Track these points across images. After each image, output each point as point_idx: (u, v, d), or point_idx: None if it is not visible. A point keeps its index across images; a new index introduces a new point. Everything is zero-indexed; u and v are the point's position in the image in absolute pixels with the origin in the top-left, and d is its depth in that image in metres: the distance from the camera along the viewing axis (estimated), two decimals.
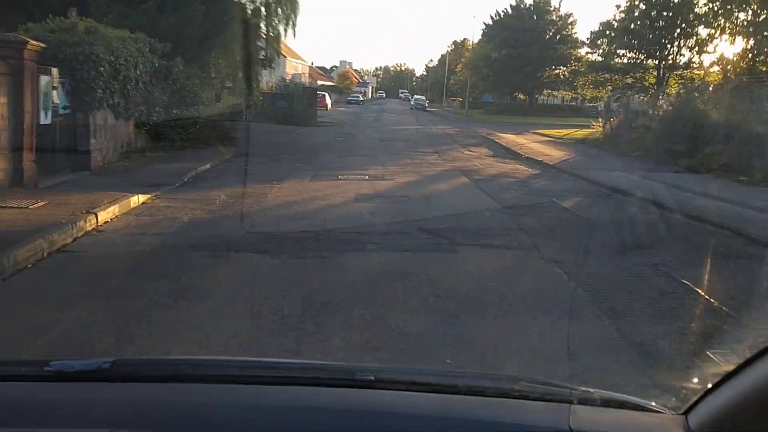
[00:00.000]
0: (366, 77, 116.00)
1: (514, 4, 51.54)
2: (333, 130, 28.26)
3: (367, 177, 12.71)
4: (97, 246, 6.33)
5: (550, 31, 50.93)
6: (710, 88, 19.03)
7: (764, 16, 20.82)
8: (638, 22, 31.00)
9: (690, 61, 30.92)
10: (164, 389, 1.33)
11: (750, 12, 21.69)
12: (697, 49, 30.30)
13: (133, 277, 5.31)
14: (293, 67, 60.48)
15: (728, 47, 26.53)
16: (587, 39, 35.26)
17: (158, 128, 15.71)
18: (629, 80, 31.62)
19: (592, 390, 1.34)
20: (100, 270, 5.58)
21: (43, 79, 9.98)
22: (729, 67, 24.88)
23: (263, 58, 25.87)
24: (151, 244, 6.41)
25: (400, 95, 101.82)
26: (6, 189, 8.61)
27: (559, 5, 58.75)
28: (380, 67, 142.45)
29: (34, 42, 9.54)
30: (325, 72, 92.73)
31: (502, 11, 51.98)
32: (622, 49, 31.71)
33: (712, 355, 3.39)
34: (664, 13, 30.74)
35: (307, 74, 66.54)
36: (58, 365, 1.33)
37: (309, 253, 6.10)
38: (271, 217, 8.13)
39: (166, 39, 15.13)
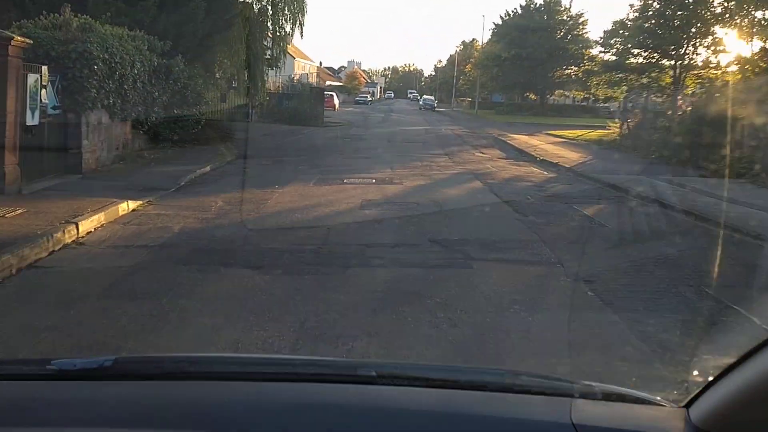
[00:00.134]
0: (374, 77, 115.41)
1: (524, 3, 50.79)
2: (340, 130, 27.65)
3: (374, 181, 12.07)
4: (75, 261, 5.72)
5: (561, 30, 50.10)
6: (735, 88, 18.22)
7: None
8: (653, 21, 30.14)
9: (707, 60, 30.03)
10: (166, 387, 1.33)
11: None
12: (714, 48, 29.42)
13: (108, 299, 4.69)
14: (301, 68, 60.01)
15: (746, 46, 25.67)
16: (600, 38, 34.41)
17: (157, 129, 15.16)
18: (644, 80, 30.73)
19: (593, 384, 1.33)
20: (73, 290, 4.95)
21: (31, 78, 9.41)
22: (747, 67, 24.07)
23: (269, 57, 25.36)
24: (135, 258, 5.79)
25: (409, 95, 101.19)
26: None
27: (570, 5, 57.83)
28: (389, 68, 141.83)
29: (19, 38, 8.96)
30: (333, 72, 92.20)
31: (512, 11, 51.31)
32: (637, 48, 30.84)
33: None
34: (679, 12, 29.91)
35: (315, 74, 66.04)
36: (60, 364, 1.33)
37: (308, 269, 5.46)
38: (270, 227, 7.50)
39: (166, 37, 14.56)
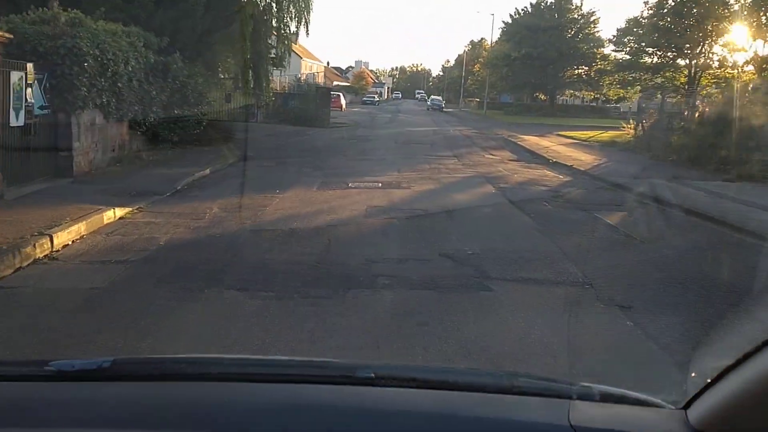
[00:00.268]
0: (382, 78, 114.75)
1: (534, 2, 50.02)
2: (346, 131, 27.05)
3: (380, 185, 11.43)
4: (42, 279, 5.10)
5: (572, 29, 49.31)
6: (758, 88, 17.44)
7: None
8: (668, 19, 29.37)
9: (724, 59, 29.22)
10: (165, 388, 1.33)
11: None
12: (730, 46, 28.62)
13: (70, 328, 4.06)
14: (308, 68, 59.45)
15: (764, 45, 24.84)
16: (613, 37, 33.60)
17: (156, 129, 14.57)
18: (659, 80, 29.96)
19: (591, 385, 1.32)
20: (32, 316, 4.32)
21: (15, 75, 8.83)
22: (765, 66, 23.30)
23: (274, 56, 24.76)
24: (110, 276, 5.16)
25: (417, 96, 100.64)
26: None
27: (581, 3, 56.84)
28: (396, 68, 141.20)
29: None
30: (340, 72, 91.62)
31: (522, 9, 50.53)
32: (651, 47, 30.07)
33: None
34: (694, 10, 29.12)
35: (322, 74, 65.46)
36: (59, 365, 1.32)
37: (304, 292, 4.80)
38: (266, 238, 6.86)
39: (163, 33, 13.98)
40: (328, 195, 10.23)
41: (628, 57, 31.86)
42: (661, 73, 30.13)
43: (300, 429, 1.17)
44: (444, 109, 58.44)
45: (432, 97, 69.62)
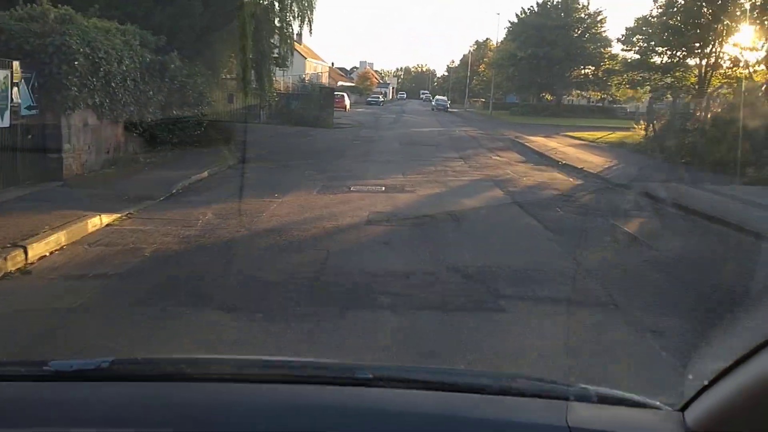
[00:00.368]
0: (387, 78, 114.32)
1: (540, 1, 49.40)
2: (350, 132, 26.59)
3: (383, 188, 10.94)
4: (9, 298, 4.62)
5: (579, 29, 48.70)
6: None
7: None
8: (678, 17, 28.71)
9: (735, 58, 28.56)
10: (163, 388, 1.32)
11: None
12: (742, 45, 27.97)
13: (31, 356, 3.58)
14: (313, 68, 59.03)
15: None
16: (621, 36, 32.93)
17: (154, 131, 14.11)
18: (668, 80, 29.32)
19: (589, 387, 1.31)
20: None
21: None
22: None
23: (277, 56, 24.33)
24: (84, 294, 4.68)
25: (421, 96, 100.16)
26: None
27: (588, 2, 56.13)
28: (401, 68, 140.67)
29: None
30: (345, 73, 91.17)
31: (528, 9, 49.94)
32: (661, 46, 29.40)
33: None
34: (705, 9, 28.49)
35: (326, 75, 65.01)
36: (57, 365, 1.32)
37: (297, 312, 4.32)
38: (259, 248, 6.37)
39: (161, 31, 13.53)
40: (329, 199, 9.75)
41: (637, 56, 31.19)
42: (671, 72, 29.47)
43: (298, 429, 1.18)
44: (449, 110, 57.90)
45: (437, 97, 69.07)
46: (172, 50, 13.72)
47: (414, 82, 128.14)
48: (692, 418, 1.17)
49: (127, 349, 3.48)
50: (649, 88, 29.53)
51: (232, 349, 3.66)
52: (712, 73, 28.93)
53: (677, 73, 29.47)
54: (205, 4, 14.91)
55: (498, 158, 17.72)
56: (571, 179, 13.27)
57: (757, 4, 23.86)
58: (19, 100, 8.98)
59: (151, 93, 13.13)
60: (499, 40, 56.16)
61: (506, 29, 53.26)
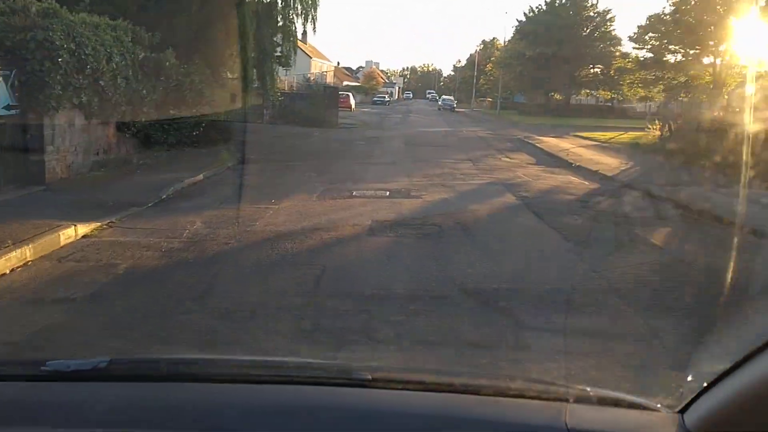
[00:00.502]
0: (393, 78, 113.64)
1: (549, 0, 48.57)
2: (355, 132, 25.95)
3: (387, 193, 10.28)
4: None
5: (588, 27, 47.84)
6: None
7: None
8: (693, 14, 27.95)
9: (750, 57, 27.73)
10: (161, 389, 1.32)
11: None
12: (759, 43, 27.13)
13: None
14: (318, 67, 58.43)
15: None
16: (633, 33, 32.12)
17: (149, 131, 13.52)
18: (682, 78, 28.53)
19: (588, 388, 1.32)
20: None
21: None
22: None
23: (280, 55, 23.74)
24: (34, 325, 4.02)
25: (428, 96, 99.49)
26: None
27: (597, 1, 55.15)
28: (407, 68, 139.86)
29: None
30: (351, 72, 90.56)
31: (536, 7, 49.12)
32: (675, 44, 28.62)
33: None
34: (718, 7, 27.71)
35: (331, 74, 64.39)
36: (55, 365, 1.32)
37: (279, 350, 3.64)
38: (247, 264, 5.72)
39: (157, 28, 12.91)
40: (329, 206, 9.09)
41: (650, 54, 30.40)
42: (684, 71, 28.70)
43: (296, 430, 1.18)
44: (456, 110, 57.18)
45: (443, 97, 68.33)
46: (167, 47, 13.10)
47: (420, 81, 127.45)
48: (691, 420, 1.17)
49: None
50: (662, 87, 28.68)
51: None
52: (727, 72, 28.16)
53: (691, 72, 28.70)
54: (203, 0, 14.28)
55: (508, 160, 17.02)
56: (586, 183, 12.56)
57: None
58: None
59: (144, 92, 12.52)
60: (507, 39, 55.40)
61: (514, 28, 52.54)
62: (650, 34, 30.00)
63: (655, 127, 21.47)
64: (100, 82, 10.53)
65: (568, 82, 47.56)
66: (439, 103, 63.16)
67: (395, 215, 8.32)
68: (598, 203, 9.98)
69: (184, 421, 1.18)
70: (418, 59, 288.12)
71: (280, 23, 22.55)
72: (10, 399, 1.24)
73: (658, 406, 1.27)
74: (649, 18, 30.69)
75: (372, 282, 5.12)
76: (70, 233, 6.44)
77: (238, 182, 11.64)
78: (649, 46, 30.34)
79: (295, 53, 26.25)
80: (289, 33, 23.10)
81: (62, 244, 6.19)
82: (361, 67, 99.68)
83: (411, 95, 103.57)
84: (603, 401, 1.28)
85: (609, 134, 27.05)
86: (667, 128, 19.84)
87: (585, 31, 47.52)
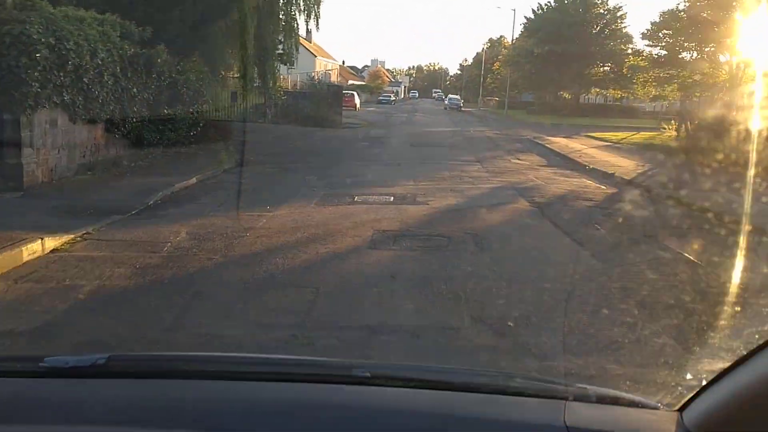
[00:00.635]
0: (399, 77, 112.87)
1: None
2: (359, 132, 25.27)
3: (391, 199, 9.57)
4: None
5: (598, 25, 46.96)
6: None
7: None
8: (708, 11, 27.08)
9: None
10: (160, 385, 1.31)
11: None
12: None
13: None
14: (323, 66, 57.79)
15: None
16: (646, 30, 31.24)
17: (141, 131, 12.83)
18: (697, 77, 27.67)
19: (587, 387, 1.31)
20: None
21: None
22: None
23: (282, 52, 23.08)
24: None
25: (434, 95, 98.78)
26: None
27: None
28: (413, 67, 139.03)
29: None
30: (356, 71, 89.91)
31: (545, 4, 48.24)
32: (690, 41, 27.77)
33: None
34: (734, 3, 26.84)
35: (336, 73, 63.71)
36: (53, 361, 1.31)
37: None
38: (231, 287, 5.01)
39: (149, 23, 12.24)
40: (328, 213, 8.39)
41: (664, 52, 29.53)
42: (700, 69, 27.84)
43: (296, 427, 1.16)
44: (462, 109, 56.36)
45: (450, 96, 67.51)
46: (159, 43, 12.43)
47: (426, 80, 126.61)
48: (690, 419, 1.16)
49: None
50: (676, 85, 27.83)
51: None
52: (744, 70, 27.27)
53: (707, 70, 27.84)
54: None
55: (518, 162, 16.27)
56: (603, 187, 11.80)
57: None
58: None
59: (135, 90, 11.85)
60: (515, 37, 54.50)
61: (522, 25, 51.71)
62: (664, 31, 29.15)
63: (670, 126, 20.67)
64: (84, 79, 9.85)
65: (578, 81, 46.68)
66: (446, 102, 62.37)
67: (400, 224, 7.61)
68: (619, 210, 9.22)
69: (184, 418, 1.17)
70: (424, 58, 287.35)
71: (282, 20, 21.90)
72: (9, 396, 1.24)
73: (658, 404, 1.27)
74: (663, 14, 29.86)
75: (371, 309, 4.40)
76: (36, 248, 5.74)
77: (234, 186, 10.95)
78: (663, 44, 29.47)
79: (298, 51, 25.58)
80: (291, 30, 22.45)
81: (25, 260, 5.50)
82: (366, 66, 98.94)
83: (417, 94, 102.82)
84: (602, 399, 1.28)
85: (620, 134, 26.28)
86: (684, 128, 19.04)
87: (595, 29, 46.66)
